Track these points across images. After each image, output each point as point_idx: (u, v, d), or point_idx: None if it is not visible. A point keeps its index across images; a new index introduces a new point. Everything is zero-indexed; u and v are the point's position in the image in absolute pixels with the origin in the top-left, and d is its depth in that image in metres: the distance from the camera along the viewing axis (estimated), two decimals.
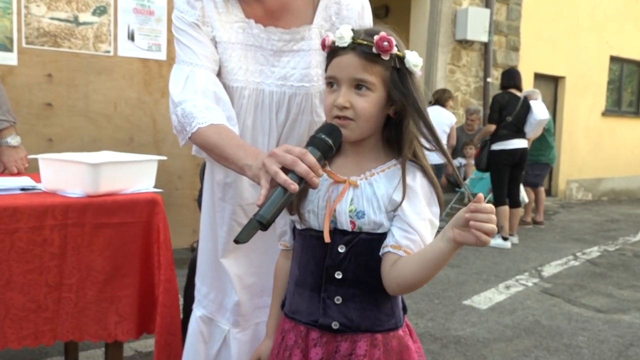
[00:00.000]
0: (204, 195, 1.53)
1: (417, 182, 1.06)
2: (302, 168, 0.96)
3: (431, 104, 5.90)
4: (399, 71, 1.05)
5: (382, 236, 1.05)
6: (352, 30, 1.05)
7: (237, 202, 1.42)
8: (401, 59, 1.05)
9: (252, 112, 1.37)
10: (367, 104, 1.04)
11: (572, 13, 8.60)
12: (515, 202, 5.46)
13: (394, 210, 1.04)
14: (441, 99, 5.92)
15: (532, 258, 4.92)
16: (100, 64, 3.58)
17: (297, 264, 1.13)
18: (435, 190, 1.08)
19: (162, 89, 3.80)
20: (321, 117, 1.43)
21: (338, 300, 1.06)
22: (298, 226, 1.13)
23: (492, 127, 5.31)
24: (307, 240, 1.10)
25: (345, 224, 1.05)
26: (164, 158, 1.95)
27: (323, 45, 1.10)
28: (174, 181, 3.97)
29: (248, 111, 1.37)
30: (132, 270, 1.70)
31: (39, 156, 1.73)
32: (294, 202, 1.08)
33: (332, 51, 1.07)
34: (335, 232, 1.06)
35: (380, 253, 1.05)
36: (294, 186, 0.95)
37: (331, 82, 1.07)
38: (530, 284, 4.06)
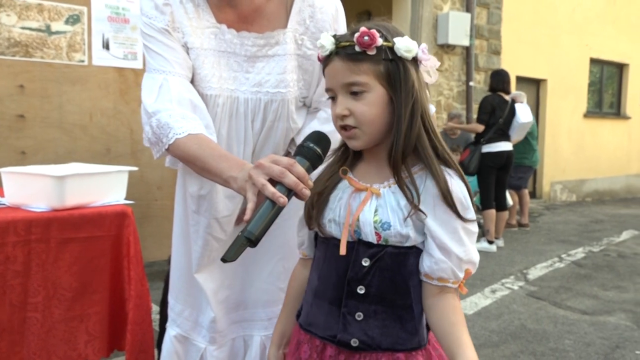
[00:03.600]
0: (176, 209, 1.46)
1: (449, 187, 0.95)
2: (290, 180, 0.91)
3: None
4: (393, 62, 0.96)
5: (410, 250, 0.98)
6: (335, 36, 0.99)
7: (212, 215, 1.36)
8: (392, 49, 0.96)
9: (226, 121, 1.32)
10: (366, 107, 0.96)
11: (551, 16, 8.68)
12: (502, 206, 5.45)
13: (420, 220, 0.96)
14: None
15: (518, 261, 4.91)
16: (75, 74, 3.51)
17: (318, 273, 1.06)
18: (469, 191, 0.98)
19: (139, 98, 3.71)
20: (297, 124, 1.39)
21: (359, 316, 0.99)
22: (320, 234, 1.06)
23: (481, 128, 5.25)
24: (330, 249, 1.03)
25: (370, 235, 0.97)
26: (135, 169, 1.89)
27: (319, 59, 1.04)
28: (153, 192, 3.91)
29: (223, 120, 1.31)
30: (101, 287, 1.64)
31: (1, 170, 1.66)
32: (313, 214, 1.03)
33: (323, 62, 1.02)
34: (360, 243, 0.98)
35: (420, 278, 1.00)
36: (283, 199, 0.90)
37: (330, 93, 1.02)
38: (516, 288, 4.04)
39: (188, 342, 1.45)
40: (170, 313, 1.48)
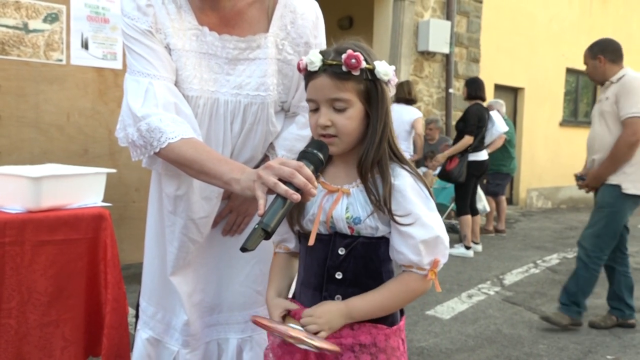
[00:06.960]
0: (149, 210, 1.45)
1: (403, 181, 1.09)
2: (300, 180, 0.99)
3: (396, 100, 5.48)
4: (372, 82, 1.09)
5: (381, 240, 1.11)
6: (322, 52, 1.09)
7: (188, 216, 1.36)
8: (372, 71, 1.09)
9: (206, 122, 1.33)
10: (347, 120, 1.09)
11: (529, 25, 8.84)
12: (474, 210, 5.54)
13: (385, 213, 1.07)
14: (412, 92, 5.57)
15: (494, 266, 4.97)
16: (52, 73, 3.45)
17: (303, 265, 1.19)
18: (424, 185, 1.11)
19: (119, 99, 3.69)
20: (276, 127, 1.40)
21: (338, 298, 1.11)
22: (301, 231, 1.18)
23: (470, 140, 5.22)
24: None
25: (344, 229, 1.10)
26: (113, 171, 1.87)
27: (299, 68, 1.13)
28: (131, 194, 3.86)
29: (202, 121, 1.32)
30: (77, 291, 1.61)
31: None
32: (295, 216, 1.14)
33: (307, 74, 1.12)
34: (336, 235, 1.12)
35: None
36: (297, 196, 0.98)
37: (312, 104, 1.12)
38: (492, 293, 4.09)
39: (161, 345, 1.44)
40: (142, 315, 1.47)
